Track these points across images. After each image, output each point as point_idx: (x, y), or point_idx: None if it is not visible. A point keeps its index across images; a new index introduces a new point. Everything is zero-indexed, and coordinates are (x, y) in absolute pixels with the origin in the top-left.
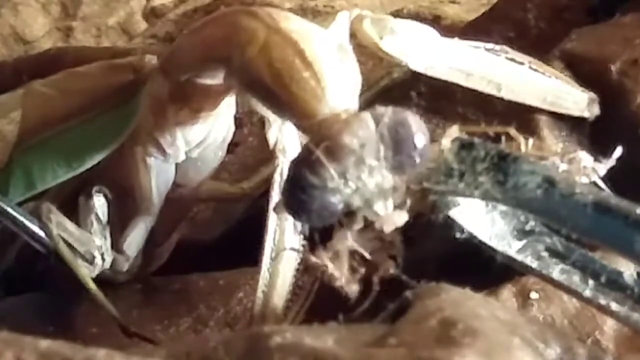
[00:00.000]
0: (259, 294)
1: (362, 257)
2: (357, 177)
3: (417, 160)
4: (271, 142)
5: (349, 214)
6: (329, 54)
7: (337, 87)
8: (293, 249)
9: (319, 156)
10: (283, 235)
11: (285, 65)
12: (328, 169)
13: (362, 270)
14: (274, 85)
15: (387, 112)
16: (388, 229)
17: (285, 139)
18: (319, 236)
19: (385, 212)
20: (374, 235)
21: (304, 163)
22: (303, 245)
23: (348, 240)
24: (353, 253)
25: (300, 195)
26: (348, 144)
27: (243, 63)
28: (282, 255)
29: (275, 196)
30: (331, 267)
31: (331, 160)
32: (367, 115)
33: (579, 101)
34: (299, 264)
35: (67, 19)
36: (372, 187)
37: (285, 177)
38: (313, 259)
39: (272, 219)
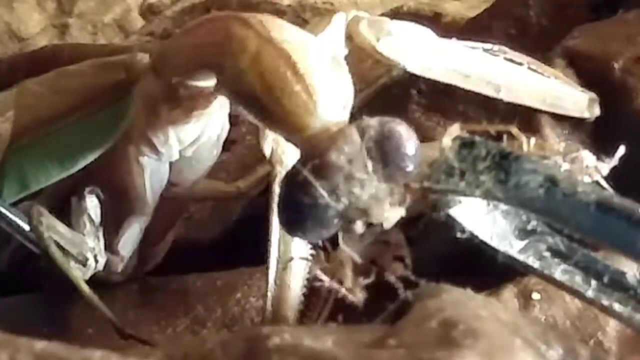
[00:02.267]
0: (268, 306)
1: (370, 262)
2: (349, 192)
3: (408, 169)
4: (267, 153)
5: (348, 222)
6: (321, 66)
7: (329, 100)
8: (301, 258)
9: (306, 176)
10: (288, 245)
11: (277, 77)
12: (317, 188)
13: (370, 276)
14: (264, 98)
15: (372, 124)
16: (379, 221)
17: (282, 148)
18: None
19: (384, 215)
20: (379, 239)
21: (293, 183)
22: (312, 255)
23: (350, 248)
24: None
25: (293, 215)
26: (335, 161)
27: (234, 73)
28: (290, 265)
29: (275, 207)
30: (328, 281)
31: (320, 179)
32: (352, 130)
33: (578, 102)
34: (308, 273)
35: (62, 16)
36: (366, 198)
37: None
38: (318, 272)
39: (275, 228)
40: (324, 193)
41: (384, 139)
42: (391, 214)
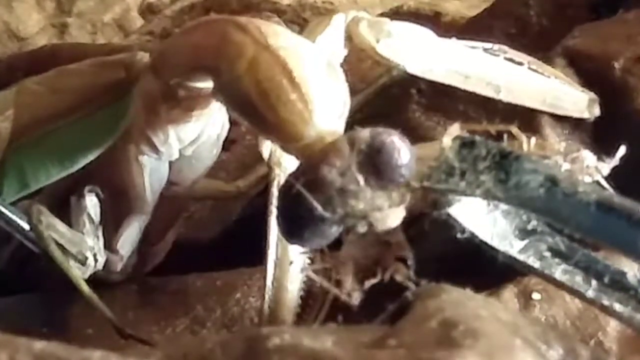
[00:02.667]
0: (265, 308)
1: (372, 262)
2: (344, 204)
3: (401, 180)
4: (265, 155)
5: (349, 228)
6: (317, 74)
7: (324, 110)
8: (298, 261)
9: (300, 190)
10: (286, 247)
11: (273, 85)
12: (311, 201)
13: (376, 277)
14: (260, 105)
15: (363, 137)
16: (382, 228)
17: (280, 151)
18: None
19: (384, 220)
20: (380, 239)
21: (288, 197)
22: (310, 257)
23: (351, 250)
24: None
25: (290, 226)
26: (327, 175)
27: (231, 79)
28: (287, 267)
29: (274, 209)
30: (327, 284)
31: (313, 193)
32: (344, 144)
33: (578, 102)
34: (305, 275)
35: (62, 16)
36: (362, 207)
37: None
38: (312, 275)
39: (273, 230)
40: (319, 206)
41: (374, 152)
42: (392, 217)
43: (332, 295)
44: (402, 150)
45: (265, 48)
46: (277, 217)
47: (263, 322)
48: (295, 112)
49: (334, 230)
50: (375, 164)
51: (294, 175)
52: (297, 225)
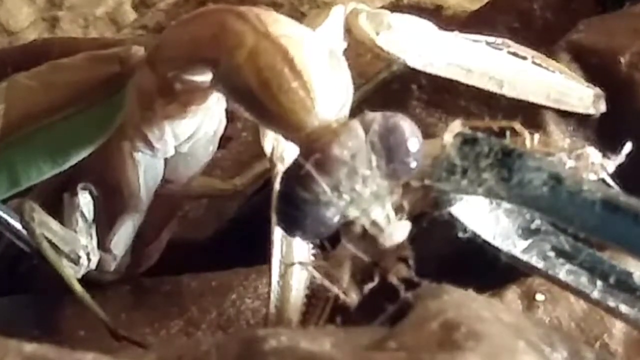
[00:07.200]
0: (271, 309)
1: (372, 263)
2: (351, 189)
3: (412, 165)
4: (267, 151)
5: (348, 223)
6: (319, 62)
7: (327, 97)
8: (303, 260)
9: (309, 170)
10: (291, 246)
11: (274, 73)
12: (319, 183)
13: (373, 279)
14: (261, 95)
15: (376, 118)
16: (390, 243)
17: (282, 146)
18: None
19: (383, 218)
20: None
21: (294, 178)
22: (314, 255)
23: (349, 248)
24: (359, 261)
25: (292, 212)
26: (338, 155)
27: (231, 69)
28: (292, 267)
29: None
30: (327, 283)
31: (322, 174)
32: (356, 124)
33: (584, 97)
34: (307, 272)
35: (53, 9)
36: (367, 196)
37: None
38: (314, 273)
39: (278, 229)
40: (327, 188)
41: (388, 133)
42: (399, 231)
43: (334, 295)
44: (414, 136)
45: (265, 36)
46: (278, 204)
47: (269, 322)
48: (297, 100)
49: (336, 221)
50: (388, 146)
51: (304, 156)
52: (300, 211)
